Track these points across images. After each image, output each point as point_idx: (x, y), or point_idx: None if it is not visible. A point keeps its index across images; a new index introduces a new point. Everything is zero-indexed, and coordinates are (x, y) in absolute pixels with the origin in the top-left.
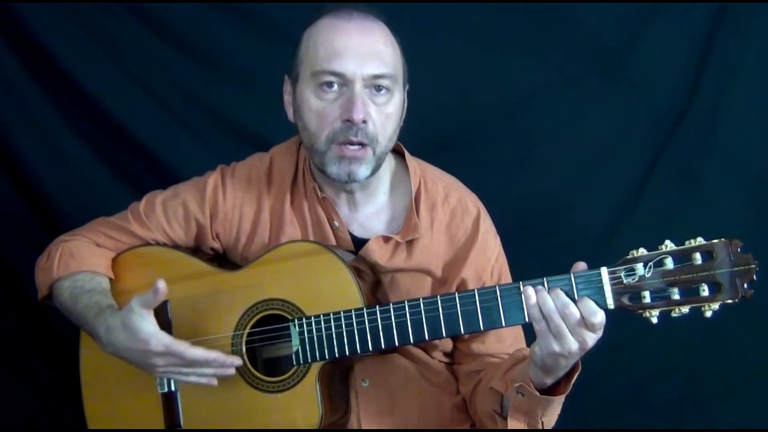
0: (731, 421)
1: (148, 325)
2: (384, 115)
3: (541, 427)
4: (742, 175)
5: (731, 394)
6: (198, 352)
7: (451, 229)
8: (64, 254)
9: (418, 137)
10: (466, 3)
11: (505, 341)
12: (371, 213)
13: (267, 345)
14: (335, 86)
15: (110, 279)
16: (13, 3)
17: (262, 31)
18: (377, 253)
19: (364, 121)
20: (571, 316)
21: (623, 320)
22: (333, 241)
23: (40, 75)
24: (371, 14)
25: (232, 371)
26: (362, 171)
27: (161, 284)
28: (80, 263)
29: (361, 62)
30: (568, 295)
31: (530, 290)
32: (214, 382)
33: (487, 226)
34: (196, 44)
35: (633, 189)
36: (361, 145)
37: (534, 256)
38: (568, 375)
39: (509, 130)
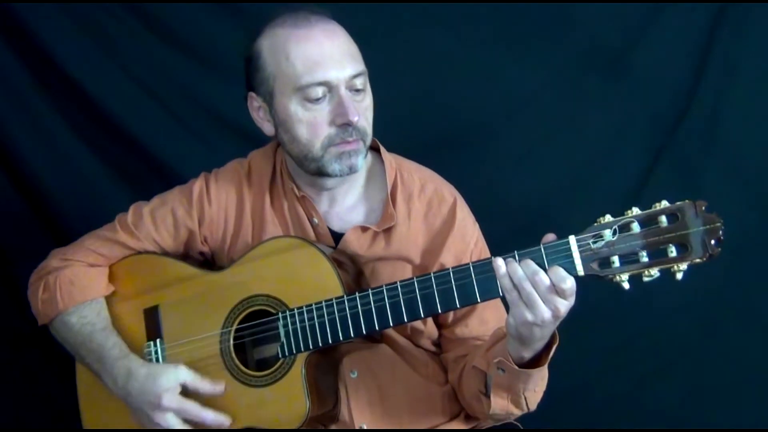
0: (731, 421)
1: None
2: (364, 108)
3: (524, 403)
4: (742, 175)
5: (731, 394)
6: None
7: (429, 218)
8: (64, 284)
9: (419, 137)
10: (466, 3)
11: (489, 323)
12: (350, 206)
13: (258, 345)
14: (321, 95)
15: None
16: (13, 3)
17: None
18: (355, 243)
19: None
20: (541, 283)
21: (625, 318)
22: (313, 238)
23: (40, 75)
24: (324, 13)
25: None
26: (359, 161)
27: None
28: (83, 292)
29: (341, 66)
30: (539, 265)
31: (500, 261)
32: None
33: (465, 213)
34: (196, 44)
35: (633, 189)
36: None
37: None
38: (547, 348)
39: (509, 130)
